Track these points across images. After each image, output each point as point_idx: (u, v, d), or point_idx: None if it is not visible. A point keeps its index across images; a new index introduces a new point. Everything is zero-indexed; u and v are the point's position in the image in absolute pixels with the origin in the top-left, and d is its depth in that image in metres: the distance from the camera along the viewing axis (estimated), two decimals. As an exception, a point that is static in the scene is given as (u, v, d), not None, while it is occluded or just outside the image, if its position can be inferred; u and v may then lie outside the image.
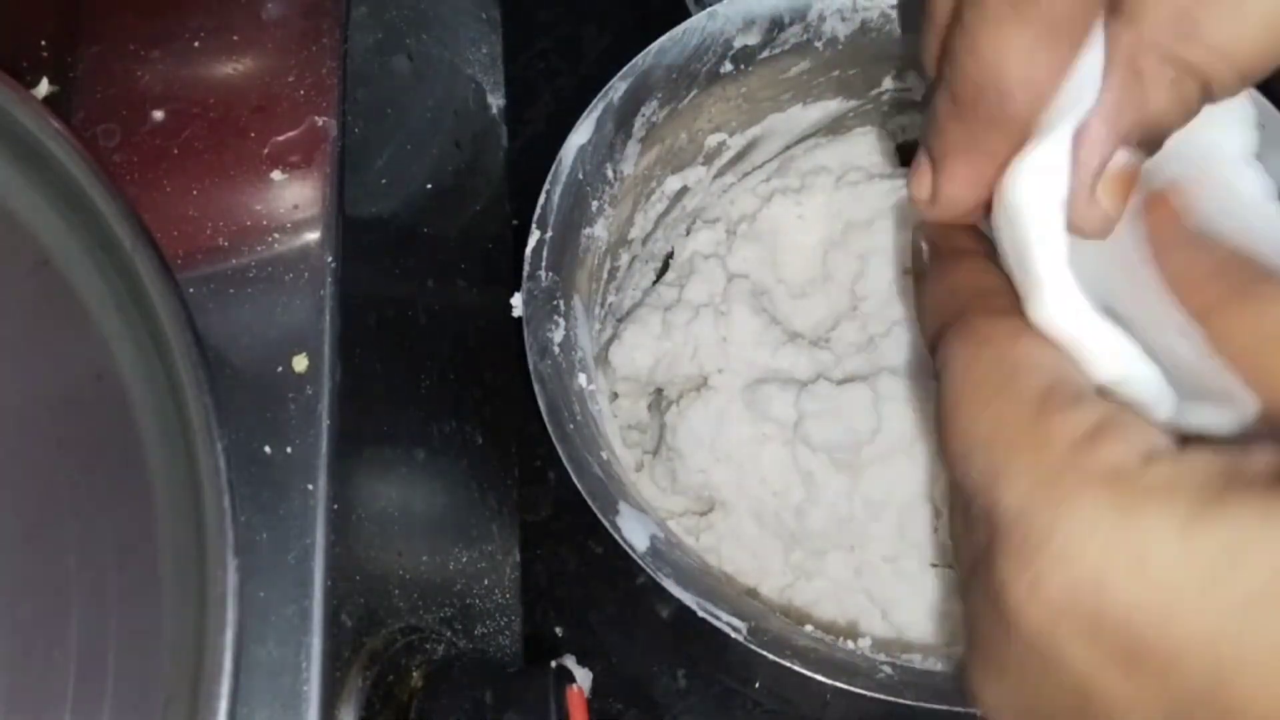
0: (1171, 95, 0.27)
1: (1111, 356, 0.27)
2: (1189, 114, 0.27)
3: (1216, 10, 0.26)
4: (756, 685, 0.47)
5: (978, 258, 0.30)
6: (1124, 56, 0.27)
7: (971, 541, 0.25)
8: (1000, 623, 0.24)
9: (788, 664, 0.36)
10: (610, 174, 0.45)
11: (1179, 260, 0.26)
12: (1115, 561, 0.22)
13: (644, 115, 0.45)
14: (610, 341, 0.48)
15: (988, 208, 0.31)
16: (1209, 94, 0.27)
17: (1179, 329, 0.26)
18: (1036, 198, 0.28)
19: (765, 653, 0.36)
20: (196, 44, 0.40)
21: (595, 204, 0.44)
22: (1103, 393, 0.26)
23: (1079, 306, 0.27)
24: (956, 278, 0.30)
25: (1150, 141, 0.28)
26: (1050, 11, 0.27)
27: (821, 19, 0.46)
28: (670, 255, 0.52)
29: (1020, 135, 0.29)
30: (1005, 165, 0.29)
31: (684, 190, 0.50)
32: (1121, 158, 0.27)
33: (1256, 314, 0.24)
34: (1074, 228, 0.28)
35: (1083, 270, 0.28)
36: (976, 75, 0.28)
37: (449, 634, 0.41)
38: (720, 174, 0.51)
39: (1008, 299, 0.29)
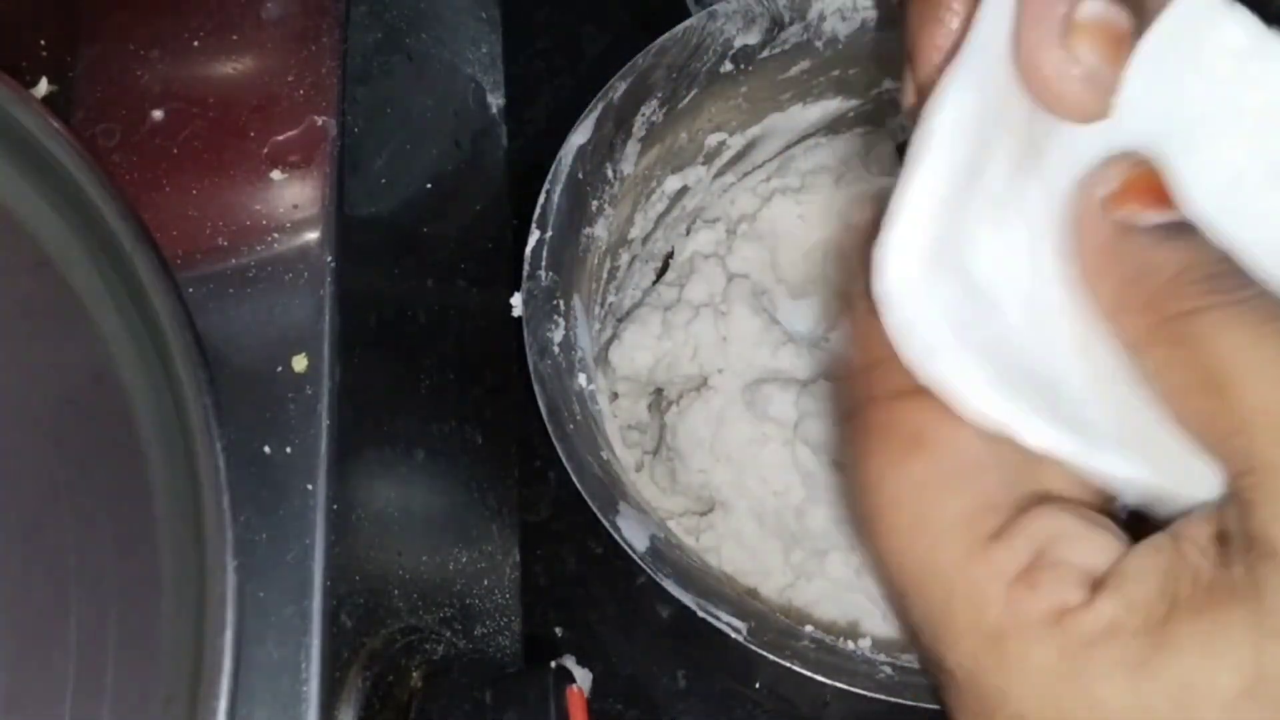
0: None
1: (1037, 437, 0.23)
2: None
3: None
4: (756, 685, 0.47)
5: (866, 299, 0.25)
6: None
7: (926, 665, 0.25)
8: None
9: (788, 664, 0.36)
10: (610, 174, 0.45)
11: (1117, 274, 0.23)
12: None
13: (644, 115, 0.45)
14: (610, 341, 0.48)
15: None
16: None
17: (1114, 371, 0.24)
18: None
19: (765, 653, 0.36)
20: (196, 44, 0.40)
21: (595, 204, 0.44)
22: (1043, 492, 0.24)
23: (984, 393, 0.23)
24: (868, 326, 0.25)
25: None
26: None
27: (821, 18, 0.46)
28: (670, 255, 0.52)
29: None
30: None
31: (684, 190, 0.50)
32: (1096, 5, 0.22)
33: (1192, 350, 0.22)
34: (1052, 105, 0.23)
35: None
36: None
37: (449, 634, 0.41)
38: (720, 174, 0.51)
39: (907, 367, 0.24)
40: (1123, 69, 0.23)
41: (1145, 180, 0.24)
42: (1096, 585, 0.22)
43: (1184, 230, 0.23)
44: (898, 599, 0.24)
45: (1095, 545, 0.23)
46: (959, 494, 0.23)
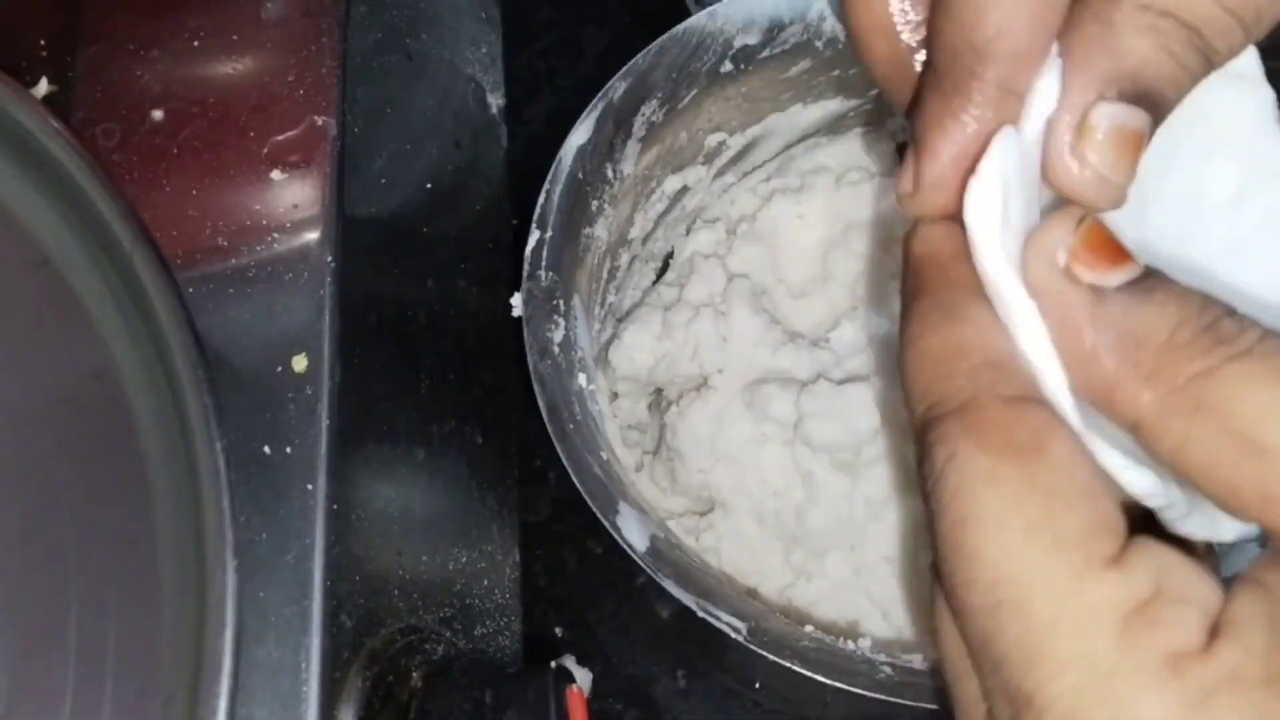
0: (1154, 44, 0.22)
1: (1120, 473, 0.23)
2: (1187, 71, 0.23)
3: None
4: (756, 685, 0.47)
5: (985, 302, 0.23)
6: (1093, 10, 0.23)
7: (991, 714, 0.22)
8: None
9: (788, 664, 0.36)
10: (610, 174, 0.45)
11: (1103, 349, 0.21)
12: None
13: (644, 115, 0.45)
14: (610, 341, 0.48)
15: None
16: (1205, 46, 0.22)
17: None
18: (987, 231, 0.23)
19: (765, 653, 0.36)
20: (196, 44, 0.40)
21: (595, 204, 0.44)
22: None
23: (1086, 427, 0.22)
24: (960, 333, 0.23)
25: (1146, 99, 0.22)
26: None
27: (821, 18, 0.46)
28: (670, 255, 0.52)
29: (1003, 98, 0.24)
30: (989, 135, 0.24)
31: (684, 190, 0.50)
32: (1110, 109, 0.22)
33: (1200, 427, 0.20)
34: (1063, 192, 0.23)
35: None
36: (952, 36, 0.24)
37: (448, 634, 0.41)
38: (720, 174, 0.51)
39: (1029, 374, 0.23)
40: (1134, 164, 0.22)
41: (1098, 234, 0.22)
42: (1214, 629, 0.20)
43: (1154, 284, 0.21)
44: (981, 615, 0.21)
45: (1209, 585, 0.21)
46: (1081, 508, 0.21)
